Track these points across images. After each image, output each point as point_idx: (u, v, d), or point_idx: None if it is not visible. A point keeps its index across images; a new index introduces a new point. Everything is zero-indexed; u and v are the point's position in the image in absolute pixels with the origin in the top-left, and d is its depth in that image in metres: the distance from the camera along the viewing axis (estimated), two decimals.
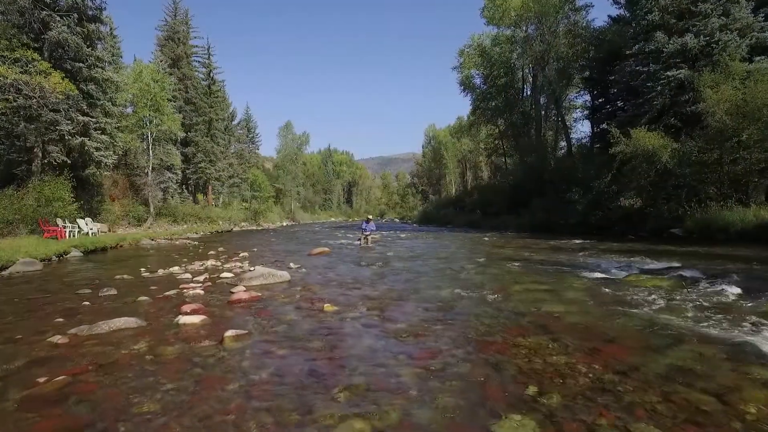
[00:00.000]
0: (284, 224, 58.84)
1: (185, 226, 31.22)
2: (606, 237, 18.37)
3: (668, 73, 18.19)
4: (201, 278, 8.52)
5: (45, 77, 14.59)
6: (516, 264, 10.20)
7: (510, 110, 38.34)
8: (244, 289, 7.05)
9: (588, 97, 35.92)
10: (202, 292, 6.90)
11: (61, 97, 15.40)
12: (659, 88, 18.50)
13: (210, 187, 41.96)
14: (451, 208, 45.82)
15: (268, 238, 26.25)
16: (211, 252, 15.28)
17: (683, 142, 17.67)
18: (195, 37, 43.19)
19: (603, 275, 8.09)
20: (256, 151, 61.34)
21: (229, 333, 4.17)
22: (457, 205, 45.59)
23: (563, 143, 37.63)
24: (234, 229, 38.48)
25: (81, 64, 18.35)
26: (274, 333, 4.49)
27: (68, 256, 14.49)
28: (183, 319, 4.83)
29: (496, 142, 48.50)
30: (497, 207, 34.19)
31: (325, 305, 5.49)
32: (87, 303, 6.28)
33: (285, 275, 8.08)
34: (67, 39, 17.33)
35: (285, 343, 4.12)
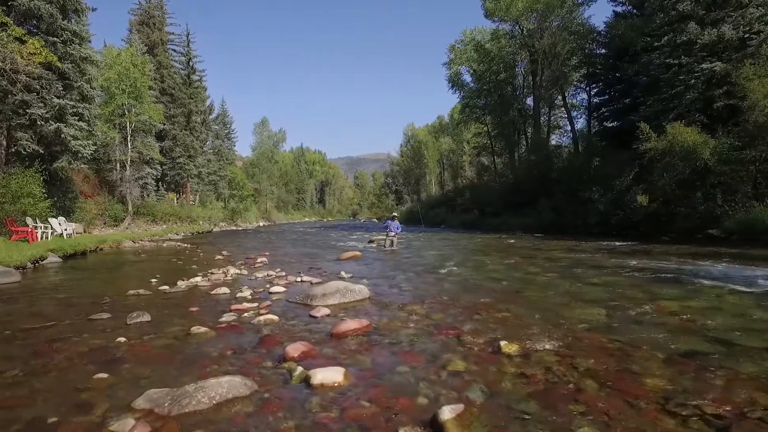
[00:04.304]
0: (261, 224, 56.28)
1: (164, 226, 28.55)
2: (636, 238, 17.29)
3: (702, 65, 17.27)
4: (247, 294, 6.62)
5: (19, 46, 12.05)
6: (600, 271, 8.72)
7: (506, 107, 37.27)
8: (329, 312, 5.27)
9: (584, 95, 35.56)
10: (275, 317, 5.04)
11: (37, 71, 12.90)
12: (692, 81, 17.57)
13: (189, 185, 38.98)
14: (443, 207, 44.42)
15: (261, 239, 24.10)
16: (218, 257, 13.22)
17: (719, 137, 16.77)
18: (171, 24, 40.22)
19: (744, 287, 6.69)
20: (233, 147, 58.14)
21: (447, 414, 2.41)
22: (449, 204, 44.24)
23: (558, 139, 37.03)
24: (214, 230, 35.90)
25: (55, 39, 15.73)
26: (498, 405, 2.75)
27: (45, 262, 12.12)
28: (317, 377, 3.01)
29: (486, 141, 47.50)
30: (496, 207, 32.98)
31: (502, 343, 3.78)
32: (122, 339, 4.32)
33: (363, 290, 6.30)
34: (39, 7, 14.75)
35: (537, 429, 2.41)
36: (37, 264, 11.64)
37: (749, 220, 15.17)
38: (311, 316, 5.19)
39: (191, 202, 39.06)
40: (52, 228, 15.88)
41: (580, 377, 3.18)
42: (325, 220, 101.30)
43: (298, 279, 7.98)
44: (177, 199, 37.61)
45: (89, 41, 18.71)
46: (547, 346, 3.88)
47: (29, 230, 14.37)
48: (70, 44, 16.42)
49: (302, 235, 27.64)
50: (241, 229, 41.96)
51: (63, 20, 16.15)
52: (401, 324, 4.75)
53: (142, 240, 20.38)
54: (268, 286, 7.37)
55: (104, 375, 3.32)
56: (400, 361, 3.58)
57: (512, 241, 18.82)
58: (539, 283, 7.70)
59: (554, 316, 5.08)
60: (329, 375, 3.05)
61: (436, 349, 3.87)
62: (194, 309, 5.73)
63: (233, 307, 5.71)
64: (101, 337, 4.48)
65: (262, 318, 4.98)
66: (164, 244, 19.53)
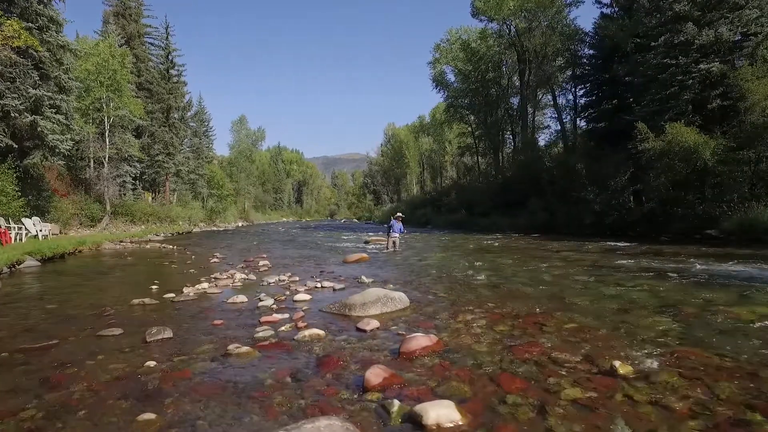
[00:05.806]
0: (240, 225, 54.89)
1: (144, 226, 27.21)
2: (634, 239, 17.18)
3: (700, 66, 17.31)
4: (269, 303, 5.95)
5: None
6: (626, 273, 8.36)
7: (492, 107, 37.17)
8: (378, 324, 4.68)
9: (570, 96, 35.74)
10: (320, 332, 4.41)
11: (13, 57, 11.75)
12: (689, 82, 17.61)
13: (168, 184, 37.41)
14: (428, 207, 44.02)
15: (247, 240, 23.18)
16: (213, 260, 12.40)
17: (716, 138, 16.83)
18: (148, 16, 38.59)
19: None
20: (211, 146, 56.40)
21: None
22: (434, 204, 43.88)
23: (546, 139, 37.17)
24: (194, 230, 34.58)
25: (31, 24, 14.50)
26: None
27: (21, 266, 11.09)
28: (430, 416, 2.43)
29: (469, 141, 47.37)
30: (484, 207, 32.75)
31: (616, 363, 3.25)
32: (151, 363, 3.63)
33: (404, 298, 5.72)
34: None
35: None
36: (13, 268, 10.63)
37: (750, 221, 15.20)
38: (359, 329, 4.58)
39: (170, 202, 37.53)
40: (26, 229, 14.74)
41: (735, 407, 2.68)
42: (303, 220, 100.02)
43: (318, 285, 7.32)
44: (153, 198, 36.09)
45: (61, 30, 17.48)
46: (656, 365, 3.39)
47: (2, 231, 13.25)
48: (47, 31, 15.21)
49: (287, 236, 26.81)
50: (221, 229, 40.62)
51: (38, 4, 14.93)
52: (470, 339, 4.19)
53: (122, 241, 19.23)
54: (287, 293, 6.71)
55: (150, 415, 2.65)
56: (503, 387, 3.01)
57: (507, 241, 18.53)
58: (575, 287, 7.25)
59: (628, 326, 4.61)
60: (444, 412, 2.47)
61: (533, 372, 3.32)
62: (218, 322, 5.03)
63: (263, 319, 5.06)
64: (122, 360, 3.77)
65: (306, 333, 4.34)
66: (147, 246, 18.47)
